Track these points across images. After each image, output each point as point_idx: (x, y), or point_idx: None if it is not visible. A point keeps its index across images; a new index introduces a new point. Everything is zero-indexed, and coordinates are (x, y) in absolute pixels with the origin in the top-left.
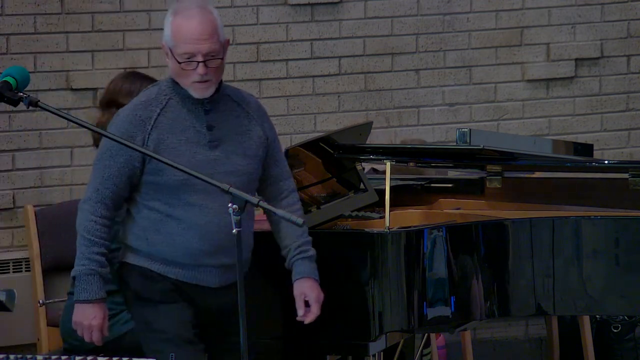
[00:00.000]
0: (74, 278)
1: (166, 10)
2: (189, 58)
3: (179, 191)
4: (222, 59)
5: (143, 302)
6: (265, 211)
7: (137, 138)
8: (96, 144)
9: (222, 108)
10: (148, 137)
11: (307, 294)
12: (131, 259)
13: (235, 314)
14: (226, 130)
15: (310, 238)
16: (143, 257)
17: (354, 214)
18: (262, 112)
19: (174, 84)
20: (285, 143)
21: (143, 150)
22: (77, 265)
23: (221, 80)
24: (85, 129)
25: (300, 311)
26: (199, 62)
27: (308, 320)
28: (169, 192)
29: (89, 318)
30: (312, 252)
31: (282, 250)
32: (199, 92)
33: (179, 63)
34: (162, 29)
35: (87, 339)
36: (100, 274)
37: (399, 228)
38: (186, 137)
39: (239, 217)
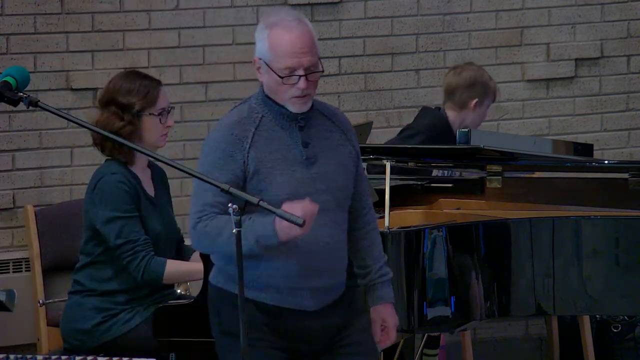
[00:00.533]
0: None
1: (166, 10)
2: (290, 72)
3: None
4: (321, 71)
5: (232, 339)
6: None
7: (237, 157)
8: (96, 143)
9: (314, 124)
10: (247, 156)
11: (387, 320)
12: (224, 283)
13: (337, 333)
14: (321, 147)
15: (386, 257)
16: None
17: None
18: (349, 125)
19: (265, 100)
20: None
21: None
22: (249, 240)
23: None
24: (85, 129)
25: (378, 337)
26: (300, 76)
27: (384, 345)
28: (267, 212)
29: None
30: (391, 273)
31: (359, 267)
32: (298, 106)
33: (280, 77)
34: (162, 29)
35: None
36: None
37: (398, 228)
38: (282, 156)
39: (239, 217)
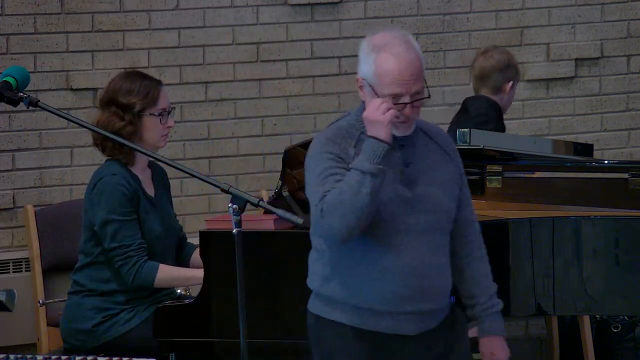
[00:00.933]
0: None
1: (166, 10)
2: (395, 99)
3: (375, 230)
4: (427, 97)
5: None
6: (266, 211)
7: (350, 153)
8: (96, 143)
9: (416, 143)
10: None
11: (497, 354)
12: (323, 311)
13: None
14: (423, 167)
15: (496, 286)
16: (338, 310)
17: None
18: (453, 146)
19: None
20: (285, 143)
21: (117, 138)
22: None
23: None
24: (85, 129)
25: None
26: (406, 103)
27: None
28: (364, 231)
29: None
30: (500, 304)
31: (466, 297)
32: (401, 130)
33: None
34: (162, 29)
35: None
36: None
37: None
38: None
39: (239, 217)
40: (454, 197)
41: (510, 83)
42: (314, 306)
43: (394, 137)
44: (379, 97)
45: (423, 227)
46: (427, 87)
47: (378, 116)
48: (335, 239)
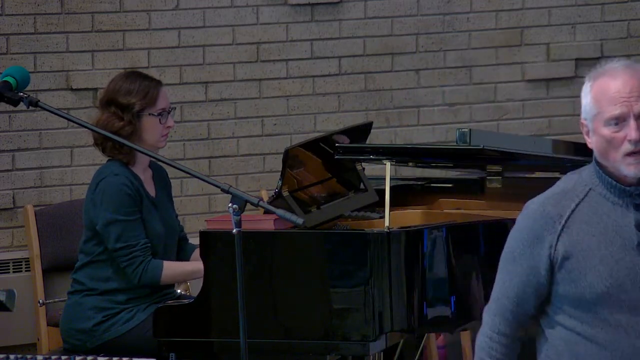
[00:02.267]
0: None
1: (166, 10)
2: (617, 123)
3: (598, 307)
4: None
5: None
6: (266, 211)
7: (545, 240)
8: (96, 143)
9: None
10: (557, 240)
11: None
12: None
13: None
14: None
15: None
16: None
17: (354, 214)
18: None
19: (598, 169)
20: (285, 143)
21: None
22: None
23: None
24: (85, 129)
25: None
26: (628, 125)
27: None
28: (585, 307)
29: None
30: None
31: None
32: (633, 168)
33: (607, 133)
34: (162, 29)
35: None
36: None
37: (399, 228)
38: (607, 238)
39: (239, 217)
40: None
41: None
42: None
43: (629, 193)
44: (601, 128)
45: None
46: None
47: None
48: None
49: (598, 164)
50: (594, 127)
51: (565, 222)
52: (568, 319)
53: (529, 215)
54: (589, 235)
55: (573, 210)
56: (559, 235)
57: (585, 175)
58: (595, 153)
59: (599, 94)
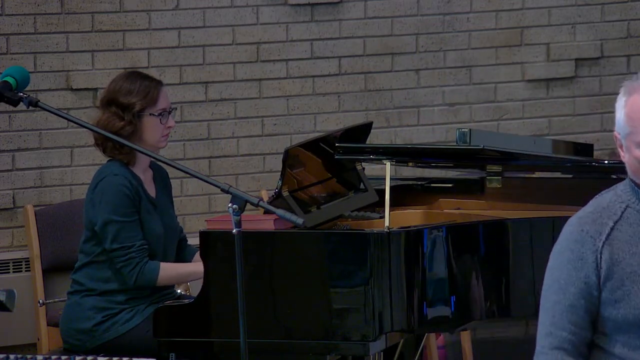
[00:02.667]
0: None
1: (166, 10)
2: None
3: None
4: None
5: None
6: (266, 211)
7: (588, 259)
8: (97, 143)
9: None
10: (600, 257)
11: None
12: None
13: None
14: None
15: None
16: None
17: (354, 214)
18: None
19: (634, 186)
20: (285, 143)
21: (118, 139)
22: None
23: None
24: (86, 129)
25: None
26: None
27: None
28: (629, 330)
29: None
30: None
31: None
32: None
33: (637, 150)
34: (162, 29)
35: None
36: None
37: (399, 228)
38: None
39: (239, 217)
40: None
41: None
42: None
43: None
44: (632, 146)
45: None
46: None
47: None
48: None
49: (633, 181)
50: (627, 145)
51: (605, 240)
52: (612, 344)
53: (567, 238)
54: (629, 255)
55: (612, 229)
56: (601, 254)
57: (620, 191)
58: (628, 170)
59: (633, 113)
